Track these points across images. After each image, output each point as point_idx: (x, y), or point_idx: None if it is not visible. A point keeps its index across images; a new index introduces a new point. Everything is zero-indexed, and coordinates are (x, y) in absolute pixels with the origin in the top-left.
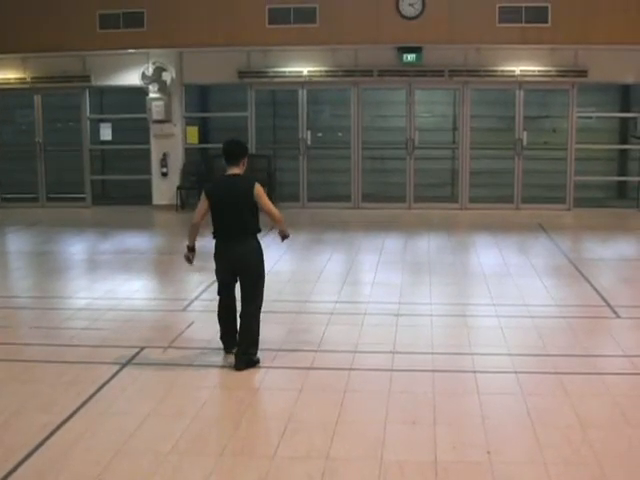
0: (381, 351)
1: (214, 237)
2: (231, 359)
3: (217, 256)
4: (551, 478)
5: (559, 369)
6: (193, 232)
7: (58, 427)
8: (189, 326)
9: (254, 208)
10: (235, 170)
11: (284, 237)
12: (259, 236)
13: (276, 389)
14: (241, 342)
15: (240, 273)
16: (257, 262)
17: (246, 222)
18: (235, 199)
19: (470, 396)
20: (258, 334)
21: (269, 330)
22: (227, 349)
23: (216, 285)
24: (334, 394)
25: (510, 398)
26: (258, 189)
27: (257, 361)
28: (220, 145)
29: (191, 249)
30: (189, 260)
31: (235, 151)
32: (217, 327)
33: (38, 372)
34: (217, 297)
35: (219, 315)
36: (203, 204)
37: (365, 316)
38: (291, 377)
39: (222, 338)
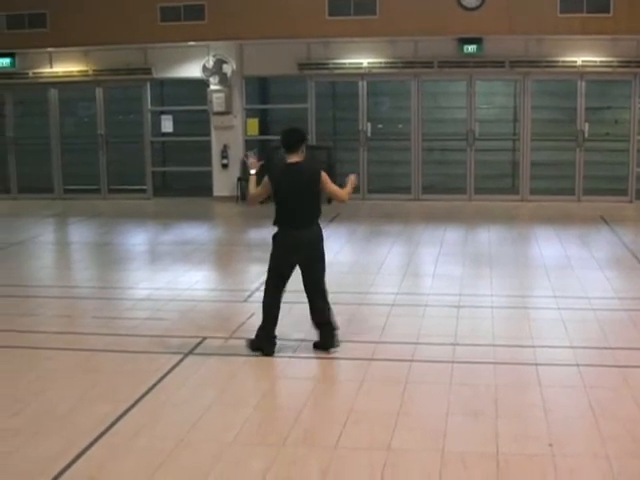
0: (442, 343)
1: (277, 224)
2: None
3: (279, 244)
4: (613, 471)
5: (621, 362)
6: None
7: (120, 416)
8: (250, 317)
9: (319, 194)
10: (295, 158)
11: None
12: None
13: (337, 380)
14: (324, 322)
15: (306, 259)
16: (321, 247)
17: (312, 209)
18: (302, 186)
19: (532, 389)
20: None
21: None
22: (268, 350)
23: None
24: (395, 385)
25: (572, 391)
26: (324, 176)
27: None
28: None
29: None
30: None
31: (293, 139)
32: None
33: (100, 361)
34: (265, 292)
35: (271, 311)
36: (264, 189)
37: (426, 308)
38: (352, 368)
39: (268, 337)
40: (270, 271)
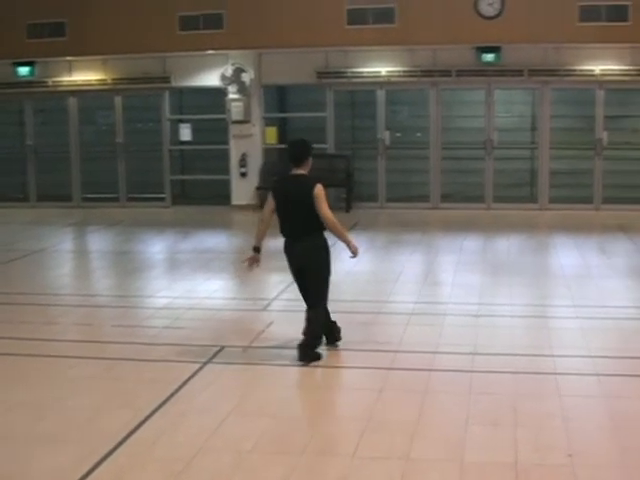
0: (461, 352)
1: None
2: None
3: (285, 254)
4: None
5: None
6: (260, 230)
7: (140, 424)
8: (269, 326)
9: (312, 207)
10: (299, 170)
11: (353, 252)
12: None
13: (356, 389)
14: (304, 332)
15: (302, 270)
16: (316, 258)
17: (307, 221)
18: (297, 198)
19: (551, 398)
20: (321, 329)
21: (349, 330)
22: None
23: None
24: (414, 395)
25: (592, 401)
26: (318, 189)
27: (318, 356)
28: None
29: (256, 249)
30: (253, 262)
31: (297, 153)
32: (296, 327)
33: (121, 370)
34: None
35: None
36: (270, 203)
37: (445, 317)
38: (371, 377)
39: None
40: None
